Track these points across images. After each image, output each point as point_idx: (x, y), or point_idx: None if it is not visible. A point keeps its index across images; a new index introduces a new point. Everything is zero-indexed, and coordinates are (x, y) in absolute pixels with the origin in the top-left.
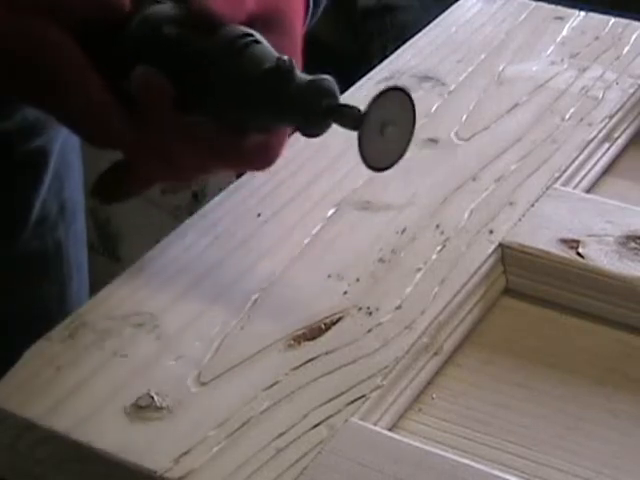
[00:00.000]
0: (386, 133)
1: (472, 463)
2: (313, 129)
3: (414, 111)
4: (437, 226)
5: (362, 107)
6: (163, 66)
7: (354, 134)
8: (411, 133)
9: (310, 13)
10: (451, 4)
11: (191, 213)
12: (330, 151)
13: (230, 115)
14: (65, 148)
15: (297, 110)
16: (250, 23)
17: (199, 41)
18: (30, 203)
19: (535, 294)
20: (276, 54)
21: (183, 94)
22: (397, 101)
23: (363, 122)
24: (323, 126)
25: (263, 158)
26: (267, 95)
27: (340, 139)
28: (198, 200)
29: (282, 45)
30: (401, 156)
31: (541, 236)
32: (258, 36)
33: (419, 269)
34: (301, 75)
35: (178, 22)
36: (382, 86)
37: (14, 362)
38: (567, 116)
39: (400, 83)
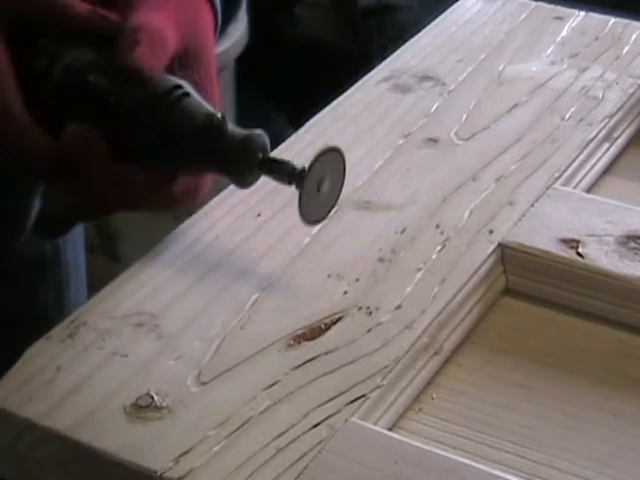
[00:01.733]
0: (322, 190)
1: (472, 463)
2: (245, 182)
3: (345, 168)
4: (437, 226)
5: (291, 161)
6: (90, 117)
7: (354, 134)
8: (341, 189)
9: (219, 29)
10: (451, 4)
11: (191, 213)
12: None
13: (162, 166)
14: None
15: (230, 164)
16: (171, 61)
17: (128, 93)
18: (28, 208)
19: (535, 294)
20: (207, 107)
21: (114, 144)
22: (332, 160)
23: (304, 180)
24: (255, 179)
25: (192, 198)
26: (200, 150)
27: (340, 139)
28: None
29: (200, 77)
30: (331, 210)
31: (541, 236)
32: (187, 87)
33: (419, 269)
34: (234, 129)
35: (104, 71)
36: (383, 86)
37: (12, 364)
38: (567, 116)
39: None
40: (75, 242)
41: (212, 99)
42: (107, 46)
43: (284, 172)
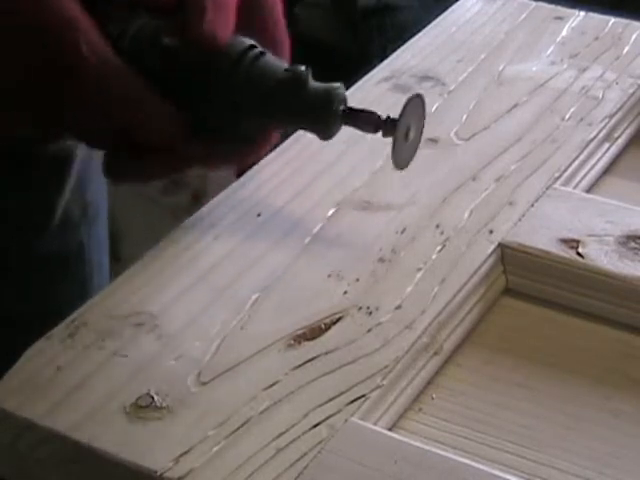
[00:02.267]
0: (409, 136)
1: (472, 463)
2: (330, 133)
3: (425, 113)
4: (437, 226)
5: (374, 110)
6: (167, 81)
7: (354, 134)
8: (422, 131)
9: None
10: (451, 4)
11: (191, 213)
12: (330, 151)
13: (246, 125)
14: (88, 151)
15: (316, 116)
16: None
17: (206, 55)
18: (53, 205)
19: (535, 294)
20: (284, 63)
21: (192, 112)
22: (416, 106)
23: (396, 130)
24: (337, 130)
25: (258, 154)
26: (285, 104)
27: (340, 139)
28: (198, 200)
29: (266, 25)
30: (415, 152)
31: (541, 236)
32: (261, 48)
33: (419, 269)
34: (313, 82)
35: (176, 35)
36: (383, 86)
37: None
38: (567, 116)
39: (416, 91)
40: (99, 240)
41: (283, 47)
42: (167, 13)
43: (370, 121)
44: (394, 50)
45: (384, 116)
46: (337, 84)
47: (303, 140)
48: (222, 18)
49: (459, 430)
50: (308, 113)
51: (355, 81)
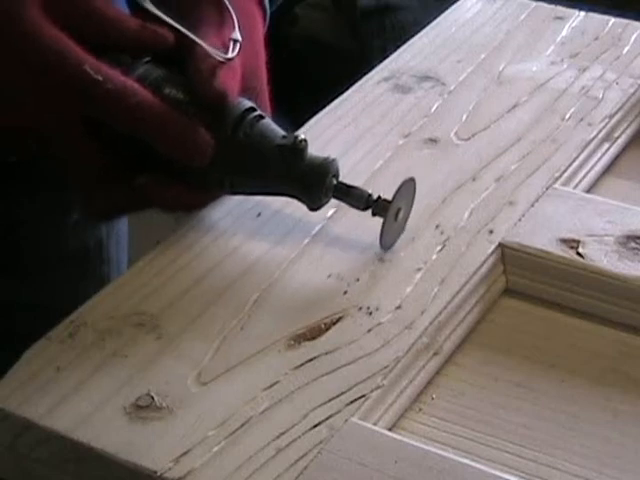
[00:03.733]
0: (398, 218)
1: (472, 463)
2: (319, 204)
3: (414, 194)
4: (437, 226)
5: (364, 188)
6: None
7: (353, 134)
8: (409, 213)
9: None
10: (451, 4)
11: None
12: (330, 151)
13: (236, 183)
14: None
15: (308, 187)
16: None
17: (207, 109)
18: (70, 203)
19: (535, 294)
20: (282, 131)
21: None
22: (407, 189)
23: (387, 211)
24: (326, 202)
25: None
26: (279, 170)
27: (340, 140)
28: None
29: (257, 99)
30: (400, 234)
31: (541, 236)
32: (260, 111)
33: (419, 269)
34: (311, 152)
35: (179, 86)
36: (383, 86)
37: None
38: (567, 116)
39: (409, 176)
40: (119, 238)
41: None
42: (167, 62)
43: (361, 199)
44: (394, 50)
45: (375, 195)
46: (332, 157)
47: None
48: (231, 77)
49: (459, 430)
50: (301, 183)
51: (355, 81)
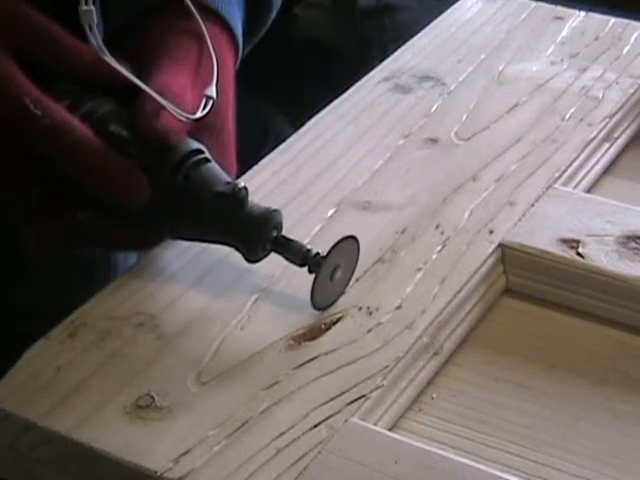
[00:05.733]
0: (334, 277)
1: (472, 463)
2: (256, 257)
3: (358, 257)
4: (437, 226)
5: (304, 243)
6: None
7: (354, 134)
8: (351, 277)
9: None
10: (451, 4)
11: None
12: (330, 151)
13: (173, 228)
14: None
15: (245, 238)
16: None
17: (149, 150)
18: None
19: (535, 294)
20: (226, 176)
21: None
22: (347, 248)
23: (321, 267)
24: (265, 255)
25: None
26: (217, 218)
27: (340, 140)
28: None
29: (217, 141)
30: (339, 297)
31: (541, 236)
32: (207, 153)
33: (419, 269)
34: (252, 202)
35: (125, 124)
36: (383, 86)
37: None
38: (567, 116)
39: (349, 233)
40: None
41: (225, 164)
42: (123, 97)
43: (298, 253)
44: (394, 50)
45: (314, 251)
46: (275, 208)
47: (303, 140)
48: (177, 119)
49: (459, 430)
50: (239, 234)
51: (355, 81)
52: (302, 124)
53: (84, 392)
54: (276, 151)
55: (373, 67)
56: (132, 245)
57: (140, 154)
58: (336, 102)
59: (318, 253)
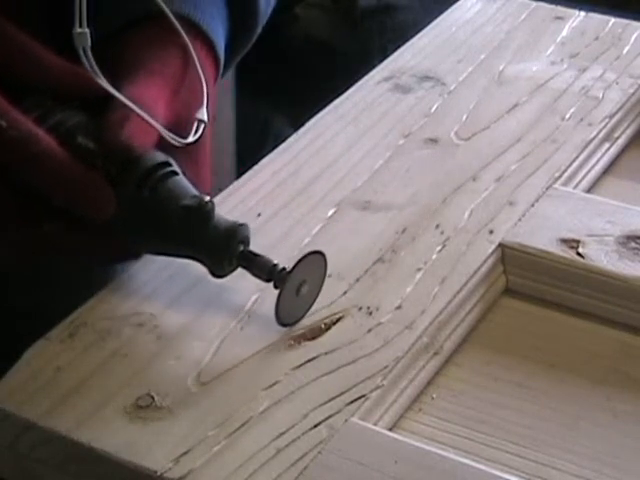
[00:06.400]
0: (300, 292)
1: (472, 463)
2: (222, 272)
3: (325, 273)
4: (437, 226)
5: (271, 258)
6: None
7: (354, 134)
8: (318, 293)
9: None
10: (451, 4)
11: None
12: (330, 151)
13: (139, 241)
14: None
15: (211, 252)
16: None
17: (115, 163)
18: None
19: (535, 294)
20: (193, 189)
21: None
22: (314, 263)
23: (285, 282)
24: (231, 271)
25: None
26: (183, 232)
27: (340, 140)
28: None
29: (188, 155)
30: (305, 313)
31: (541, 236)
32: (175, 166)
33: (419, 269)
34: (219, 216)
35: (92, 136)
36: (383, 86)
37: None
38: (567, 116)
39: (317, 248)
40: None
41: (198, 179)
42: (97, 107)
43: (264, 268)
44: (394, 50)
45: (280, 266)
46: (241, 223)
47: (303, 140)
48: (144, 132)
49: (459, 430)
50: (205, 248)
51: (355, 81)
52: (302, 124)
53: (84, 392)
54: (276, 151)
55: (373, 67)
56: (101, 259)
57: (106, 166)
58: (336, 102)
59: (284, 268)
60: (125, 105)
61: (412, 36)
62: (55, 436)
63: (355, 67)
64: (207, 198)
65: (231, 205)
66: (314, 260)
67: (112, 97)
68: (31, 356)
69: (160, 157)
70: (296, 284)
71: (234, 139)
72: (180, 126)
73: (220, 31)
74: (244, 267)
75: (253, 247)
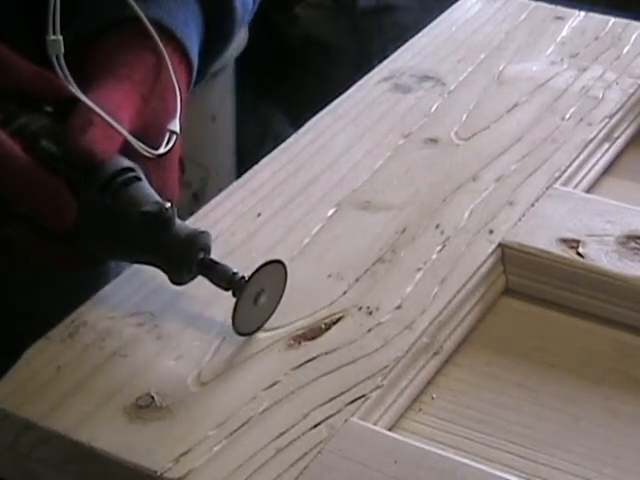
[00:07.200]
0: (259, 302)
1: (472, 463)
2: (181, 279)
3: (285, 282)
4: (437, 226)
5: (231, 267)
6: None
7: (354, 134)
8: (278, 303)
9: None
10: (451, 4)
11: (191, 213)
12: (330, 151)
13: (100, 245)
14: None
15: (170, 259)
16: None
17: (77, 169)
18: None
19: (535, 294)
20: (156, 195)
21: None
22: (274, 272)
23: (243, 290)
24: (191, 279)
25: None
26: (142, 238)
27: (340, 140)
28: (198, 200)
29: (155, 161)
30: (264, 323)
31: (541, 236)
32: (139, 172)
33: (419, 269)
34: (180, 223)
35: (56, 140)
36: (383, 86)
37: None
38: (567, 116)
39: (278, 257)
40: None
41: (165, 186)
42: (66, 112)
43: (223, 277)
44: (394, 50)
45: (240, 275)
46: (202, 230)
47: (303, 140)
48: (107, 137)
49: (459, 430)
50: (164, 254)
51: (355, 81)
52: (302, 124)
53: (84, 392)
54: (276, 151)
55: (373, 67)
56: (64, 265)
57: (68, 171)
58: (336, 102)
59: (243, 277)
60: (90, 110)
61: (412, 36)
62: (55, 436)
63: (355, 67)
64: (168, 205)
65: (231, 205)
66: (274, 269)
67: (78, 102)
68: (31, 356)
69: (124, 163)
70: (253, 293)
71: (234, 139)
72: (149, 134)
73: (194, 37)
74: (204, 275)
75: (253, 247)
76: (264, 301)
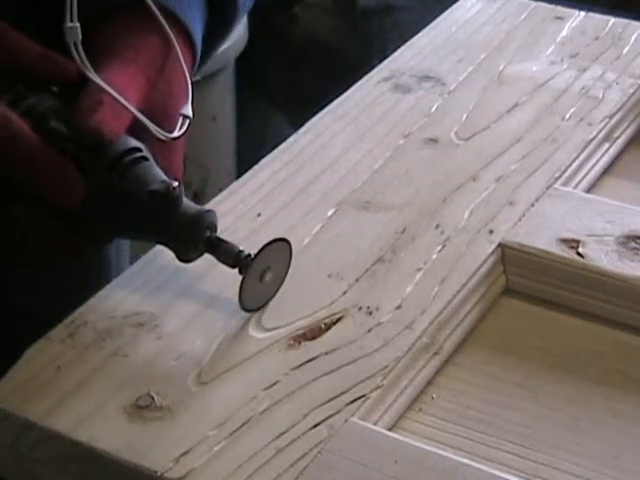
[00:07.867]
0: (264, 279)
1: (472, 463)
2: (188, 257)
3: (290, 260)
4: (437, 226)
5: (237, 245)
6: None
7: (354, 134)
8: (283, 280)
9: (197, 64)
10: (451, 4)
11: None
12: (330, 151)
13: (109, 225)
14: None
15: (177, 237)
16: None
17: (86, 149)
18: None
19: (535, 294)
20: (163, 175)
21: None
22: (279, 250)
23: (248, 267)
24: (197, 256)
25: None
26: (150, 217)
27: (340, 140)
28: (198, 200)
29: (164, 148)
30: (270, 300)
31: (541, 236)
32: (146, 152)
33: (419, 269)
34: (187, 202)
35: (64, 120)
36: (383, 86)
37: None
38: (567, 116)
39: (284, 236)
40: (120, 250)
41: (171, 166)
42: (73, 93)
43: (230, 254)
44: (394, 50)
45: (246, 252)
46: (208, 209)
47: (303, 140)
48: (115, 117)
49: (459, 430)
50: (171, 233)
51: (355, 81)
52: (302, 124)
53: (84, 392)
54: (276, 151)
55: (373, 67)
56: (70, 249)
57: (77, 151)
58: (336, 102)
59: (249, 254)
60: (100, 90)
61: (412, 36)
62: (55, 436)
63: (355, 67)
64: (175, 184)
65: (231, 205)
66: (279, 248)
67: (85, 83)
68: (31, 356)
69: (131, 143)
70: (259, 270)
71: (234, 139)
72: (155, 117)
73: (198, 21)
74: (210, 253)
75: (253, 247)
76: (270, 278)
